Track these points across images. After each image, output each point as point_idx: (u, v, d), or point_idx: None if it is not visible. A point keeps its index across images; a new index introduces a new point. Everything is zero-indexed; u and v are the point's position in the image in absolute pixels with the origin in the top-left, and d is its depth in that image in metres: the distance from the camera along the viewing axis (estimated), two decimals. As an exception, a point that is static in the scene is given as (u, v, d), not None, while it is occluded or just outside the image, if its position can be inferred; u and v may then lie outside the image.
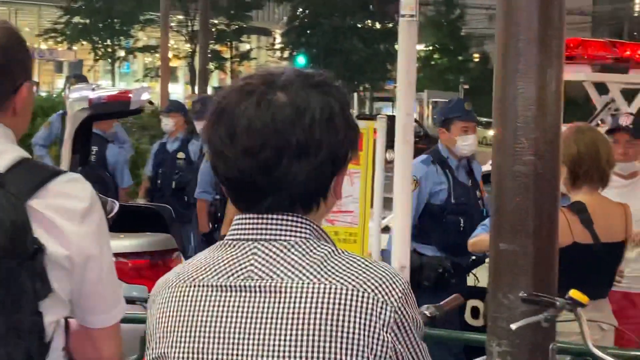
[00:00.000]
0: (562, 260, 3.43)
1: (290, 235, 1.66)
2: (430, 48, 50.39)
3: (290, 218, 1.66)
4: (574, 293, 3.10)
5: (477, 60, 50.13)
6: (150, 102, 6.98)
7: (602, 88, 6.94)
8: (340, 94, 1.69)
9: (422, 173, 5.63)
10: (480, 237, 4.67)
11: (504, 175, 3.37)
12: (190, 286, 1.68)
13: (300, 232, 1.66)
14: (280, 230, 1.66)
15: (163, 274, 5.71)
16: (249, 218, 1.68)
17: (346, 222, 4.22)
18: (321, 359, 1.58)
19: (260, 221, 1.67)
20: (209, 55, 37.24)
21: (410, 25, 3.83)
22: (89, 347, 2.13)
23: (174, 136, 8.90)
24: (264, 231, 1.66)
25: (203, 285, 1.67)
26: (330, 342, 1.58)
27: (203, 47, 25.71)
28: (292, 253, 1.65)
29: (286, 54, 45.67)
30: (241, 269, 1.65)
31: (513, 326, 3.08)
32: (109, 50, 42.74)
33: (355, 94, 48.33)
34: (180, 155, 8.76)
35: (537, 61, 3.31)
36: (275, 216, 1.66)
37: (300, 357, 1.58)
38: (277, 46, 48.85)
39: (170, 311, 1.69)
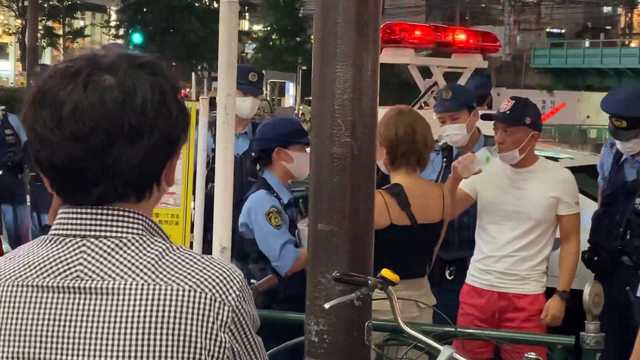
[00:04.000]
0: (380, 242, 3.51)
1: (122, 232, 1.57)
2: (268, 29, 50.51)
3: (121, 212, 1.58)
4: (385, 272, 3.17)
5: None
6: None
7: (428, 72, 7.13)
8: (169, 75, 1.62)
9: None
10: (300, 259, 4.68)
11: (322, 157, 3.41)
12: (13, 286, 1.57)
13: (133, 227, 1.58)
14: (111, 225, 1.57)
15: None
16: (76, 212, 1.58)
17: (168, 203, 4.18)
18: None
19: (88, 215, 1.57)
20: (41, 32, 36.12)
21: (231, 7, 3.82)
22: None
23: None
24: (93, 226, 1.57)
25: (27, 286, 1.56)
26: (167, 345, 1.52)
27: (32, 23, 24.89)
28: (124, 251, 1.56)
29: (122, 31, 44.81)
30: (69, 269, 1.56)
31: (326, 305, 3.13)
32: None
33: (193, 74, 47.89)
34: (8, 131, 8.51)
35: (353, 45, 3.36)
36: (104, 210, 1.57)
37: None
38: (113, 24, 47.89)
39: None
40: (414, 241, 4.29)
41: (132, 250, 1.57)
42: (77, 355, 1.53)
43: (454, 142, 5.33)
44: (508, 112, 4.67)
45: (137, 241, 1.57)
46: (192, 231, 4.22)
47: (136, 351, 1.52)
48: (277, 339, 4.34)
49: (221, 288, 1.56)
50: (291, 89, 50.46)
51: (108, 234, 1.57)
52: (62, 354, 1.54)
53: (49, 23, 40.95)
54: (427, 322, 4.25)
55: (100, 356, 1.52)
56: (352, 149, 3.38)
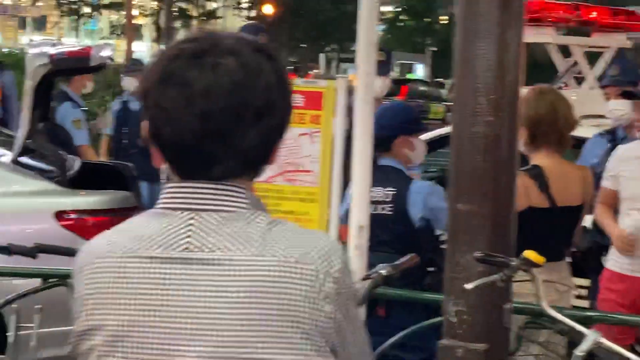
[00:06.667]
0: (518, 224, 3.44)
1: (230, 206, 1.63)
2: (398, 9, 50.29)
3: (229, 187, 1.64)
4: (529, 254, 3.11)
5: (444, 22, 50.06)
6: (111, 59, 6.92)
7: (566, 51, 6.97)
8: (280, 59, 1.69)
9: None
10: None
11: (463, 136, 3.37)
12: (125, 257, 1.63)
13: (240, 202, 1.64)
14: (220, 199, 1.63)
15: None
16: (187, 186, 1.64)
17: (306, 181, 4.21)
18: (264, 332, 1.57)
19: (198, 189, 1.64)
20: (175, 14, 36.89)
21: (372, -16, 3.81)
22: None
23: (137, 95, 8.86)
24: (202, 200, 1.63)
25: (139, 257, 1.62)
26: (272, 315, 1.57)
27: (168, 5, 25.46)
28: (232, 224, 1.62)
29: (253, 13, 45.32)
30: (179, 240, 1.62)
31: (468, 286, 3.09)
32: (74, 6, 42.19)
33: (322, 55, 48.17)
34: None
35: (498, 22, 3.30)
36: (214, 185, 1.63)
37: (242, 330, 1.57)
38: (244, 5, 48.47)
39: (103, 283, 1.64)
40: (553, 224, 4.19)
41: (240, 223, 1.62)
42: (187, 322, 1.59)
43: (617, 117, 5.15)
44: None
45: (243, 214, 1.63)
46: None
47: (243, 319, 1.57)
48: (414, 319, 4.33)
49: (325, 260, 1.62)
50: (420, 70, 50.18)
51: (216, 207, 1.63)
52: (171, 322, 1.60)
53: (183, 5, 41.74)
54: (566, 306, 4.17)
55: (208, 324, 1.58)
56: (494, 128, 3.32)
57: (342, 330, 1.63)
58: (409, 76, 43.27)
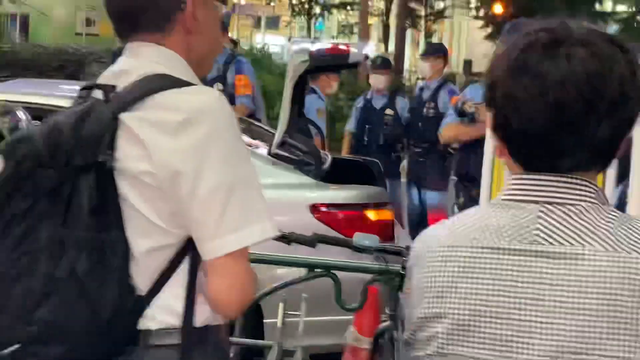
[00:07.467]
0: None
1: (578, 199, 1.61)
2: (633, 9, 48.48)
3: (577, 180, 1.62)
4: None
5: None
6: (367, 57, 7.04)
7: None
8: (632, 51, 1.65)
9: None
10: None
11: None
12: (471, 247, 1.64)
13: (587, 196, 1.62)
14: (568, 193, 1.61)
15: (373, 227, 5.64)
16: (532, 179, 1.64)
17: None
18: (614, 330, 1.54)
19: (546, 182, 1.62)
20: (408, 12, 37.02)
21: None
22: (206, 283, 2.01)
23: (381, 93, 8.97)
24: (550, 193, 1.62)
25: (486, 248, 1.63)
26: (625, 313, 1.53)
27: (401, 5, 25.61)
28: (582, 218, 1.59)
29: (481, 12, 44.85)
30: (527, 233, 1.61)
31: None
32: (306, 6, 43.19)
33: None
34: (388, 111, 8.84)
35: None
36: (563, 178, 1.62)
37: (592, 326, 1.54)
38: (473, 4, 48.05)
39: (446, 271, 1.65)
40: None
41: (589, 217, 1.59)
42: (535, 316, 1.57)
43: None
44: None
45: (591, 209, 1.60)
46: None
47: (592, 316, 1.53)
48: None
49: None
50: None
51: (565, 200, 1.61)
52: (519, 314, 1.58)
53: (413, 4, 41.82)
54: None
55: (557, 318, 1.55)
56: None
57: None
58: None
